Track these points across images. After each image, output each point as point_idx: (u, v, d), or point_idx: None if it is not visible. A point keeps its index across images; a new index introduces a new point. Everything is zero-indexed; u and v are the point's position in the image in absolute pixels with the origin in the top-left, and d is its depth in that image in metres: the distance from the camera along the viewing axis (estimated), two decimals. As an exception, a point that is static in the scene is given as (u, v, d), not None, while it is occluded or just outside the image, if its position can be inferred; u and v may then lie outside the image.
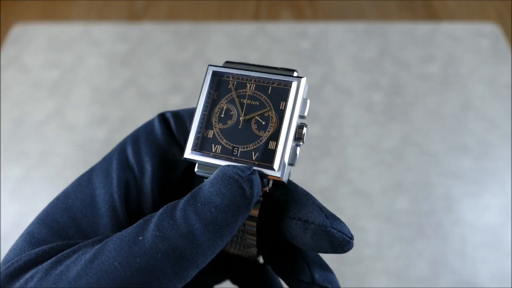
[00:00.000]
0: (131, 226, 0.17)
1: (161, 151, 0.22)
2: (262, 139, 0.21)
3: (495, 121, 0.73)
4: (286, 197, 0.21)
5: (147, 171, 0.21)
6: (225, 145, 0.21)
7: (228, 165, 0.19)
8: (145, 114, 0.76)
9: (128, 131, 0.74)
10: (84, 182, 0.21)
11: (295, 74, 0.22)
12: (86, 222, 0.19)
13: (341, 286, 0.62)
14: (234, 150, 0.21)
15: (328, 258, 0.61)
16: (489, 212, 0.64)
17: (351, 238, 0.21)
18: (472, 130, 0.73)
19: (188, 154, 0.21)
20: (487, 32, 0.85)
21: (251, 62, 0.23)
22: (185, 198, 0.18)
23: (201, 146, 0.22)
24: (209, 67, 0.23)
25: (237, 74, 0.23)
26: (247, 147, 0.21)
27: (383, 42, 0.84)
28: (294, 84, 0.21)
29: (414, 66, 0.81)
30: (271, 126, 0.21)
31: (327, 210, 0.21)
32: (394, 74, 0.80)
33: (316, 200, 0.21)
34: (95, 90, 0.79)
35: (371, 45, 0.84)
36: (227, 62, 0.23)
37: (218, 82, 0.23)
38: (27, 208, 0.66)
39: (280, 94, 0.22)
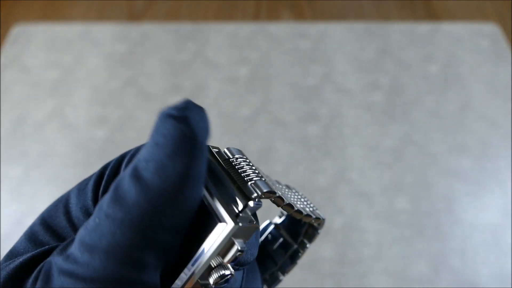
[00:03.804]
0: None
1: None
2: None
3: (495, 121, 0.73)
4: None
5: None
6: None
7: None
8: (145, 114, 0.76)
9: (128, 131, 0.74)
10: (83, 187, 0.20)
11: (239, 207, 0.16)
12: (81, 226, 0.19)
13: (341, 286, 0.62)
14: None
15: (328, 257, 0.61)
16: (489, 212, 0.64)
17: None
18: (472, 130, 0.73)
19: None
20: (487, 32, 0.85)
21: (224, 159, 0.18)
22: (126, 172, 0.14)
23: None
24: None
25: None
26: None
27: (383, 42, 0.84)
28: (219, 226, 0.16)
29: (414, 66, 0.81)
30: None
31: None
32: (394, 74, 0.80)
33: None
34: (95, 90, 0.79)
35: (371, 45, 0.84)
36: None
37: None
38: (27, 208, 0.66)
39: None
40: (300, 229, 0.25)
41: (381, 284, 0.58)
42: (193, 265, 0.16)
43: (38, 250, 0.17)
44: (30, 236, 0.18)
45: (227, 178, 0.17)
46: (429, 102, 0.76)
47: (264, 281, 0.25)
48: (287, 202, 0.19)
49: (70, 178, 0.68)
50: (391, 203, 0.65)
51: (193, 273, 0.16)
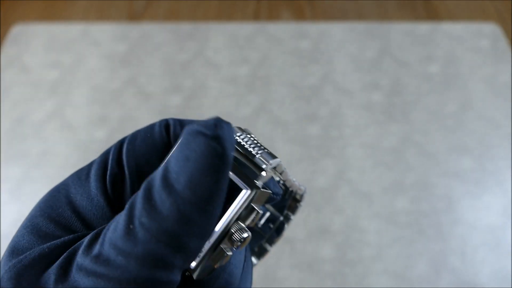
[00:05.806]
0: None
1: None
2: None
3: (495, 121, 0.73)
4: None
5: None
6: None
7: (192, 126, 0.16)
8: (145, 114, 0.76)
9: (128, 131, 0.74)
10: (83, 176, 0.20)
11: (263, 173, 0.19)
12: (89, 215, 0.19)
13: (341, 286, 0.62)
14: None
15: (328, 258, 0.61)
16: (489, 212, 0.64)
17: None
18: (472, 130, 0.73)
19: None
20: (487, 32, 0.85)
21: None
22: (156, 182, 0.15)
23: None
24: None
25: None
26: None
27: (383, 42, 0.84)
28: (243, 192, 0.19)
29: (414, 66, 0.81)
30: None
31: None
32: (394, 74, 0.80)
33: None
34: (95, 90, 0.79)
35: (371, 45, 0.84)
36: None
37: None
38: (27, 208, 0.66)
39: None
40: (285, 202, 0.27)
41: (381, 284, 0.58)
42: (217, 230, 0.18)
43: (56, 241, 0.17)
44: (32, 229, 0.18)
45: (238, 153, 0.20)
46: (429, 102, 0.76)
47: (252, 252, 0.27)
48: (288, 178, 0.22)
49: (70, 178, 0.68)
50: (391, 203, 0.65)
51: (218, 235, 0.18)
